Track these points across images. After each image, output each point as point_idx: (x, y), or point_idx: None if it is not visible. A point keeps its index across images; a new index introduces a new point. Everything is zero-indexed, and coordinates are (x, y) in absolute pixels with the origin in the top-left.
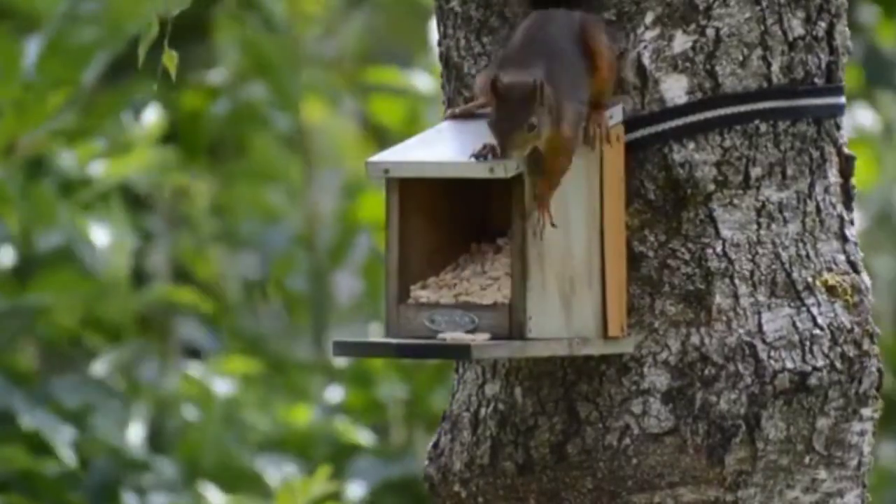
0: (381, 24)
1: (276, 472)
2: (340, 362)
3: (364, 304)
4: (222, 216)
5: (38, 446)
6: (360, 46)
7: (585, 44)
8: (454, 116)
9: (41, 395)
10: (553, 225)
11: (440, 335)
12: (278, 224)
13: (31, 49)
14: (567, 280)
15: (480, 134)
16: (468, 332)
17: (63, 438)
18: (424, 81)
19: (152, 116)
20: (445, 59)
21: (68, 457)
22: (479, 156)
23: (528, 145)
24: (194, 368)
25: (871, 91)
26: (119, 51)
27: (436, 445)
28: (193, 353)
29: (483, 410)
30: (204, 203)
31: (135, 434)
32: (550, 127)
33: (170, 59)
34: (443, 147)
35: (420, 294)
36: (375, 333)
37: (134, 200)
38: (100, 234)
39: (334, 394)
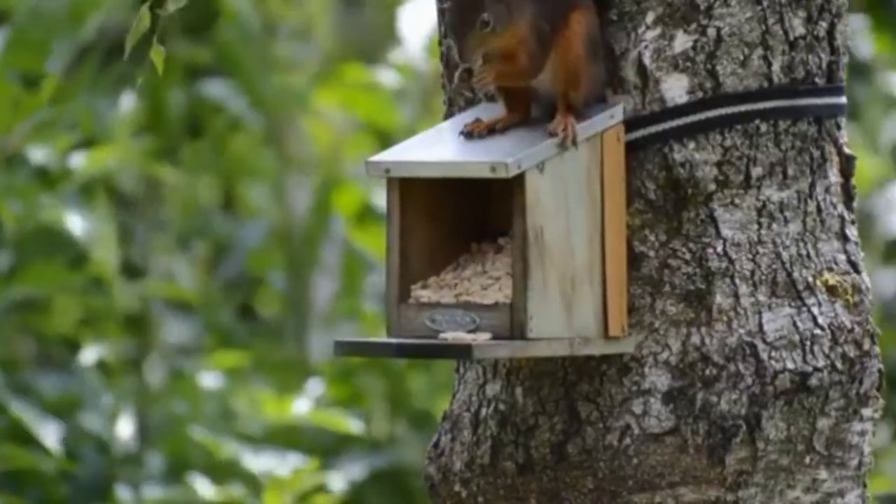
0: (358, 20)
1: (263, 464)
2: (321, 361)
3: (341, 302)
4: (196, 213)
5: (28, 442)
6: (333, 47)
7: (565, 20)
8: (470, 136)
9: (28, 388)
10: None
11: (441, 335)
12: (254, 220)
13: None
14: (568, 280)
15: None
16: (469, 331)
17: (49, 431)
18: (391, 77)
19: (129, 105)
20: (446, 59)
21: (54, 447)
22: (467, 132)
23: (484, 44)
24: (183, 364)
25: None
26: (84, 41)
27: (436, 445)
28: (184, 350)
29: (484, 410)
30: (177, 197)
31: (123, 428)
32: (508, 25)
33: (157, 54)
34: (443, 147)
35: (421, 294)
36: (352, 334)
37: (119, 199)
38: (80, 223)
39: (315, 388)
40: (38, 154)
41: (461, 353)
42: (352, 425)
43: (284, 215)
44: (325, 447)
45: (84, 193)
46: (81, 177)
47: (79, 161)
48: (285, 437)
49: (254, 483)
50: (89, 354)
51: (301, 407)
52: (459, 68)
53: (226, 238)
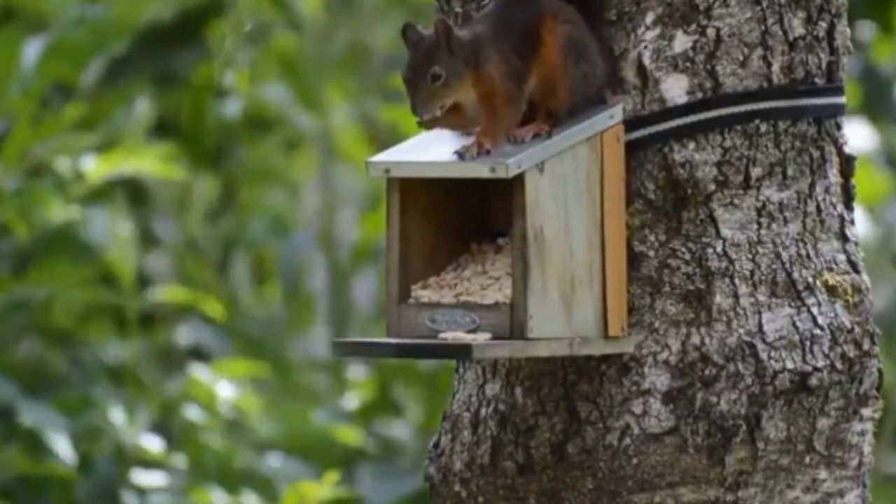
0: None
1: (284, 474)
2: (359, 368)
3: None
4: (230, 217)
5: (40, 445)
6: (385, 48)
7: (540, 29)
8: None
9: (41, 390)
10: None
11: (441, 335)
12: (299, 228)
13: (31, 51)
14: (568, 280)
15: None
16: (469, 331)
17: (61, 435)
18: None
19: (142, 111)
20: None
21: (65, 453)
22: (461, 154)
23: (439, 99)
24: (199, 371)
25: (871, 112)
26: (117, 53)
27: (436, 445)
28: (199, 355)
29: (483, 410)
30: (207, 203)
31: (139, 432)
32: (466, 73)
33: (241, 76)
34: (443, 147)
35: (421, 294)
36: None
37: (138, 199)
38: (98, 223)
39: (350, 402)
40: (61, 163)
41: (461, 353)
42: (366, 441)
43: (326, 219)
44: (351, 459)
45: (102, 196)
46: (98, 180)
47: (94, 164)
48: (308, 448)
49: (274, 494)
50: (106, 354)
51: (323, 418)
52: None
53: (265, 244)
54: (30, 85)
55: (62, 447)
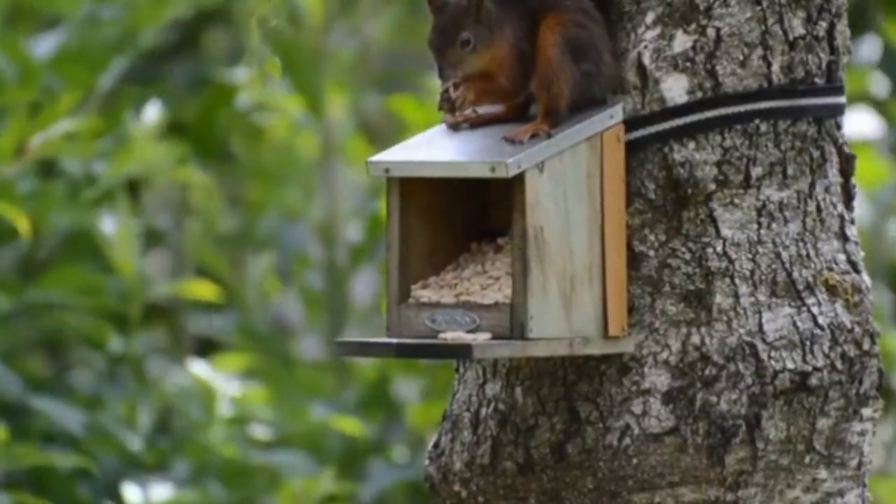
0: (410, 23)
1: (286, 467)
2: (357, 362)
3: (381, 303)
4: (237, 213)
5: (50, 443)
6: (385, 43)
7: (541, 23)
8: (453, 126)
9: (53, 388)
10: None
11: (441, 335)
12: (297, 221)
13: (43, 48)
14: (568, 279)
15: (482, 134)
16: (469, 331)
17: (74, 423)
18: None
19: (153, 113)
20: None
21: (77, 430)
22: (452, 124)
23: (465, 64)
24: (200, 366)
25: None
26: (135, 55)
27: (436, 445)
28: (206, 345)
29: (483, 410)
30: (212, 198)
31: (142, 428)
32: (490, 45)
33: (273, 66)
34: (443, 147)
35: (421, 294)
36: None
37: (137, 195)
38: (107, 226)
39: (349, 396)
40: (69, 163)
41: (461, 353)
42: (367, 431)
43: (327, 213)
44: (351, 452)
45: (108, 196)
46: (106, 182)
47: (106, 167)
48: (309, 441)
49: (273, 486)
50: (112, 350)
51: (323, 411)
52: (439, 96)
53: (268, 238)
54: (40, 82)
55: (74, 428)
